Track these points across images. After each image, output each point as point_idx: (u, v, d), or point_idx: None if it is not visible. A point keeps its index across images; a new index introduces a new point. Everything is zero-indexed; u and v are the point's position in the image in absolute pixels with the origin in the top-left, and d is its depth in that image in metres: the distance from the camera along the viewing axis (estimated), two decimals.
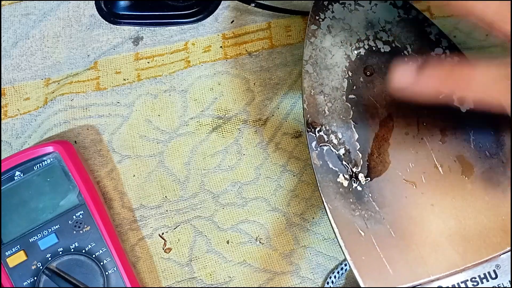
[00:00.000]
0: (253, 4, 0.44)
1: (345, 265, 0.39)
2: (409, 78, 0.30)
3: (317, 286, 0.39)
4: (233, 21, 0.45)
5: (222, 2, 0.45)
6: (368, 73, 0.37)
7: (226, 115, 0.43)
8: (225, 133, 0.42)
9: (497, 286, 0.33)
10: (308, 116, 0.36)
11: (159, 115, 0.43)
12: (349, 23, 0.38)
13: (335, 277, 0.39)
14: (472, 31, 0.44)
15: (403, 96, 0.31)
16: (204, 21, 0.45)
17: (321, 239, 0.40)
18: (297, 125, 0.43)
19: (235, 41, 0.44)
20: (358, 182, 0.35)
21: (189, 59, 0.44)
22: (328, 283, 0.39)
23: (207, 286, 0.40)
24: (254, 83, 0.43)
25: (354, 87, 0.37)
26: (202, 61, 0.44)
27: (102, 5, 0.45)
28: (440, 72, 0.30)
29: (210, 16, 0.45)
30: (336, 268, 0.39)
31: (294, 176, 0.41)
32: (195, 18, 0.44)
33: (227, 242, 0.40)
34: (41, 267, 0.37)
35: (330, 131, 0.36)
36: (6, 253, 0.37)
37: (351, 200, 0.34)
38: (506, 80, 0.28)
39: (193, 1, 0.44)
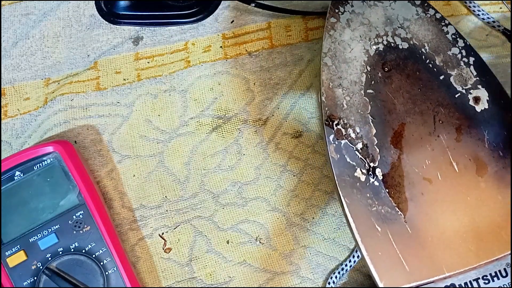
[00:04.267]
0: (253, 4, 0.44)
1: (346, 265, 0.39)
2: None
3: (317, 286, 0.39)
4: (233, 21, 0.45)
5: (222, 2, 0.45)
6: (386, 68, 0.37)
7: (226, 115, 0.43)
8: (225, 133, 0.42)
9: (507, 285, 0.33)
10: (327, 109, 0.36)
11: (159, 115, 0.43)
12: (368, 18, 0.38)
13: (336, 277, 0.39)
14: (472, 31, 0.44)
15: None
16: (204, 21, 0.45)
17: (321, 239, 0.40)
18: (297, 125, 0.42)
19: (235, 41, 0.44)
20: (375, 177, 0.35)
21: (189, 59, 0.44)
22: (329, 283, 0.39)
23: (207, 286, 0.39)
24: (254, 83, 0.43)
25: (373, 82, 0.37)
26: (202, 61, 0.44)
27: (102, 5, 0.45)
28: None
29: (210, 16, 0.45)
30: (337, 268, 0.39)
31: (294, 176, 0.41)
32: (195, 18, 0.45)
33: (227, 242, 0.40)
34: (41, 267, 0.37)
35: (348, 125, 0.36)
36: (6, 253, 0.37)
37: (368, 195, 0.34)
38: None
39: (193, 1, 0.45)
